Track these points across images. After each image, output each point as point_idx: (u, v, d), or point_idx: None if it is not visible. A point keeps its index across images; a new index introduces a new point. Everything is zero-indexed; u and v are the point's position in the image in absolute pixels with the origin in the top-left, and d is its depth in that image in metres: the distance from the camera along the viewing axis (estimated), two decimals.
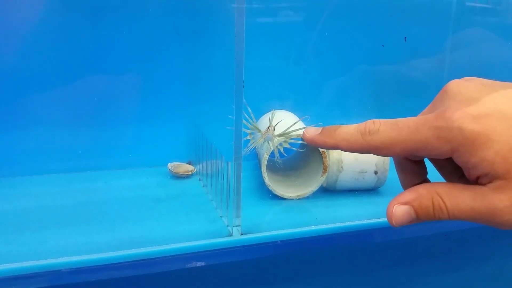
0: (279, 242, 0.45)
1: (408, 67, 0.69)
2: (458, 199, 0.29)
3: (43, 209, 0.50)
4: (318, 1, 0.62)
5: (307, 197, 0.54)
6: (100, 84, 0.58)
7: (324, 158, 0.53)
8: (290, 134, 0.45)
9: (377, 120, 0.32)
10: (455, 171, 0.33)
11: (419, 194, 0.31)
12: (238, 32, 0.40)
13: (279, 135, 0.45)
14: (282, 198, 0.53)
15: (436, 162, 0.35)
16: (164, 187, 0.57)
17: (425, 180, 0.35)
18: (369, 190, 0.56)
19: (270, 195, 0.53)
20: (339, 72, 0.66)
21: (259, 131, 0.46)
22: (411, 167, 0.35)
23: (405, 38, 0.65)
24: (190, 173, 0.61)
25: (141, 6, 0.57)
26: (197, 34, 0.59)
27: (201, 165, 0.60)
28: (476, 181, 0.30)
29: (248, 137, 0.46)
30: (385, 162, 0.54)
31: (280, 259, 0.45)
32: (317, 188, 0.54)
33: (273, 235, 0.45)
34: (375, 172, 0.54)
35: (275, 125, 0.45)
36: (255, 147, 0.59)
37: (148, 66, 0.59)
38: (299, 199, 0.53)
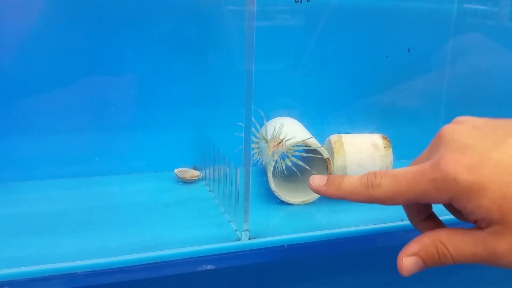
0: (286, 246, 0.47)
1: (411, 77, 0.70)
2: (460, 246, 0.31)
3: (57, 213, 0.51)
4: (327, 14, 0.63)
5: (312, 203, 0.55)
6: (109, 91, 0.60)
7: (329, 164, 0.54)
8: (297, 148, 0.47)
9: (377, 173, 0.34)
10: (455, 209, 0.35)
11: (424, 244, 0.33)
12: (248, 35, 0.41)
13: (288, 149, 0.47)
14: (288, 204, 0.55)
15: None
16: (172, 192, 0.58)
17: (430, 215, 0.37)
18: None
19: (278, 200, 0.54)
20: (344, 82, 0.68)
21: (267, 142, 0.47)
22: (416, 206, 0.37)
23: (409, 49, 0.67)
24: (196, 178, 0.62)
25: (154, 16, 0.58)
26: (205, 42, 0.60)
27: (207, 171, 0.61)
28: (474, 223, 0.32)
29: (253, 145, 0.48)
30: (388, 169, 0.56)
31: (287, 262, 0.46)
32: None
33: (280, 240, 0.47)
34: None
35: (282, 139, 0.47)
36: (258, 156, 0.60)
37: (156, 73, 0.61)
38: (304, 204, 0.55)
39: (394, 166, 0.56)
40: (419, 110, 0.73)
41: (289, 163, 0.50)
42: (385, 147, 0.57)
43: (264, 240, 0.46)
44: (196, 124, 0.64)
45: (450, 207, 0.35)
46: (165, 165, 0.64)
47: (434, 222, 0.37)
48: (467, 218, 0.32)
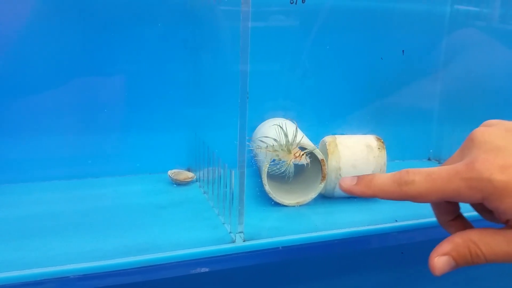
0: (280, 248, 0.46)
1: (405, 78, 0.71)
2: (492, 245, 0.32)
3: (50, 216, 0.50)
4: (322, 16, 0.64)
5: (307, 204, 0.55)
6: (103, 92, 0.59)
7: (323, 166, 0.54)
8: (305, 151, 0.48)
9: (410, 170, 0.34)
10: (484, 210, 0.36)
11: (456, 244, 0.33)
12: (243, 36, 0.41)
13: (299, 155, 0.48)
14: (282, 205, 0.54)
15: None
16: (166, 194, 0.58)
17: (458, 216, 0.38)
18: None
19: (272, 202, 0.54)
20: (339, 83, 0.68)
21: (289, 151, 0.48)
22: (445, 206, 0.38)
23: (403, 51, 0.67)
24: (190, 180, 0.62)
25: (147, 17, 0.58)
26: (199, 43, 0.60)
27: (201, 172, 0.61)
28: (506, 223, 0.32)
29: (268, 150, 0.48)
30: (382, 170, 0.56)
31: (282, 264, 0.46)
32: (316, 195, 0.55)
33: (275, 242, 0.47)
34: None
35: (304, 152, 0.49)
36: (253, 155, 0.60)
37: (150, 75, 0.61)
38: (299, 206, 0.55)
39: (388, 167, 0.56)
40: (413, 111, 0.73)
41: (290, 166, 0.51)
42: (379, 148, 0.57)
43: (259, 242, 0.46)
44: (190, 125, 0.63)
45: (480, 207, 0.36)
46: (159, 166, 0.63)
47: (462, 222, 0.38)
48: (498, 218, 0.33)
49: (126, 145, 0.62)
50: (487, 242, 0.32)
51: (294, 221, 0.52)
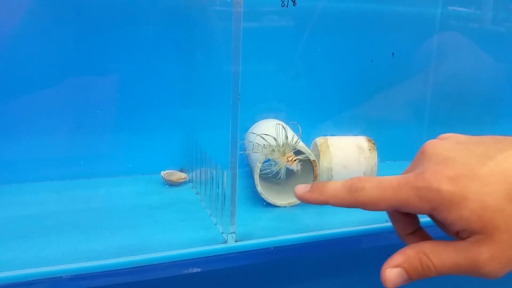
0: (272, 248, 0.47)
1: (395, 80, 0.72)
2: (443, 256, 0.32)
3: (42, 216, 0.50)
4: (313, 18, 0.64)
5: (298, 205, 0.56)
6: (95, 93, 0.59)
7: (315, 167, 0.55)
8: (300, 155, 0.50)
9: (362, 178, 0.35)
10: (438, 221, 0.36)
11: (407, 256, 0.33)
12: (235, 37, 0.42)
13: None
14: (274, 206, 0.55)
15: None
16: (159, 194, 0.58)
17: (418, 229, 0.38)
18: None
19: (264, 203, 0.55)
20: (330, 85, 0.69)
21: (282, 154, 0.49)
22: (403, 219, 0.37)
23: (393, 53, 0.68)
24: (183, 180, 0.62)
25: (140, 18, 0.58)
26: (192, 44, 0.60)
27: (194, 173, 0.61)
28: (456, 234, 0.32)
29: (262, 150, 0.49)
30: (373, 171, 0.57)
31: (273, 264, 0.47)
32: None
33: (267, 242, 0.47)
34: None
35: (297, 158, 0.50)
36: (245, 156, 0.61)
37: (143, 75, 0.61)
38: (290, 206, 0.55)
39: (379, 168, 0.57)
40: (403, 112, 0.74)
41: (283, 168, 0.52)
42: (370, 149, 0.57)
43: (251, 242, 0.46)
44: (182, 126, 0.64)
45: (434, 218, 0.36)
46: (152, 167, 0.64)
47: (421, 236, 0.37)
48: (448, 229, 0.33)
49: (119, 146, 0.62)
50: (438, 254, 0.32)
51: (286, 222, 0.52)
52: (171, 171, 0.63)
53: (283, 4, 0.57)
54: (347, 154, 0.57)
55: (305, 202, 0.38)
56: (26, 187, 0.57)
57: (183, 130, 0.64)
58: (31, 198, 0.55)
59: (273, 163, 0.51)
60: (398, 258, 0.33)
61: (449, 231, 0.33)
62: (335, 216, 0.54)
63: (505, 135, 0.35)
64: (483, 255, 0.31)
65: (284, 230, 0.49)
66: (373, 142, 0.58)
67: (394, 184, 0.33)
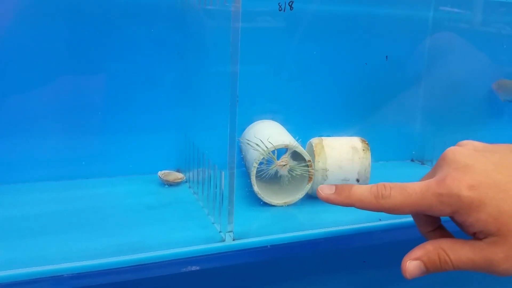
0: (269, 246, 0.48)
1: (389, 83, 0.73)
2: (460, 253, 0.35)
3: (42, 216, 0.51)
4: (309, 21, 0.65)
5: (294, 204, 0.56)
6: (93, 94, 0.60)
7: (310, 166, 0.56)
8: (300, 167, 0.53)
9: (387, 184, 0.37)
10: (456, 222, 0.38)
11: (427, 250, 0.36)
12: (233, 37, 0.42)
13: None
14: (271, 205, 0.56)
15: None
16: (156, 194, 0.59)
17: (439, 227, 0.40)
18: None
19: (261, 202, 0.56)
20: (325, 87, 0.70)
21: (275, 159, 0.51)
22: (425, 218, 0.40)
23: (387, 56, 0.69)
24: (180, 180, 0.63)
25: (137, 19, 0.59)
26: (189, 45, 0.61)
27: (191, 173, 0.62)
28: (473, 235, 0.35)
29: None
30: (367, 171, 0.58)
31: (270, 262, 0.48)
32: (303, 195, 0.56)
33: (264, 240, 0.48)
34: (357, 180, 0.58)
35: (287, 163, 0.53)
36: (242, 156, 0.62)
37: (140, 76, 0.61)
38: (286, 205, 0.56)
39: (372, 168, 0.58)
40: (397, 114, 0.75)
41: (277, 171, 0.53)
42: (363, 149, 0.58)
43: (248, 241, 0.47)
44: (179, 126, 0.64)
45: (454, 219, 0.38)
46: (149, 167, 0.64)
47: (441, 233, 0.40)
48: (466, 231, 0.36)
49: (116, 146, 0.63)
50: (455, 250, 0.35)
51: (282, 221, 0.53)
52: (169, 171, 0.64)
53: (280, 9, 0.58)
54: (341, 154, 0.58)
55: (329, 203, 0.40)
56: (24, 187, 0.58)
57: (180, 131, 0.64)
58: (31, 198, 0.55)
59: (268, 166, 0.53)
60: (418, 251, 0.36)
61: (467, 232, 0.36)
62: (329, 215, 0.55)
63: None
64: (498, 255, 0.33)
65: (280, 229, 0.50)
66: (366, 142, 0.60)
67: (417, 190, 0.36)
